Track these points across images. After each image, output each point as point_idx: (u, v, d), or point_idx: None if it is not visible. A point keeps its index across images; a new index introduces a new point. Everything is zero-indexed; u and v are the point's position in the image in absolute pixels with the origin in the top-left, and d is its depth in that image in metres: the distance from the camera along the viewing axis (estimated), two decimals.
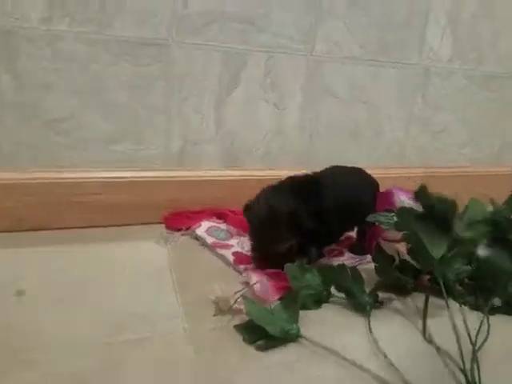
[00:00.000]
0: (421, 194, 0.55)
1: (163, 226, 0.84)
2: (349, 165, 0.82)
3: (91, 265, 0.69)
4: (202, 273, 0.69)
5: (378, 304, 0.61)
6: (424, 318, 0.56)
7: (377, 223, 0.65)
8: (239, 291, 0.58)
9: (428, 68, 0.99)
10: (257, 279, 0.62)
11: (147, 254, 0.74)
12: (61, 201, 0.79)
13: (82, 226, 0.80)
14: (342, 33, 0.89)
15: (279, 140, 0.93)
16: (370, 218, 0.65)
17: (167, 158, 0.86)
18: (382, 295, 0.63)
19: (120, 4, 0.74)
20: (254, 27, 0.83)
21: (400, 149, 1.04)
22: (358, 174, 0.79)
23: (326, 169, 0.78)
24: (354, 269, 0.61)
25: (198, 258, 0.74)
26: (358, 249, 0.77)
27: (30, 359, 0.47)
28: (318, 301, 0.61)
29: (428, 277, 0.67)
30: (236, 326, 0.53)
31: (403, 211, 0.57)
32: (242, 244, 0.78)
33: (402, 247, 0.67)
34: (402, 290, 0.65)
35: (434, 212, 0.54)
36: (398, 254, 0.67)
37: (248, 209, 0.67)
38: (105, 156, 0.82)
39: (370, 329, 0.56)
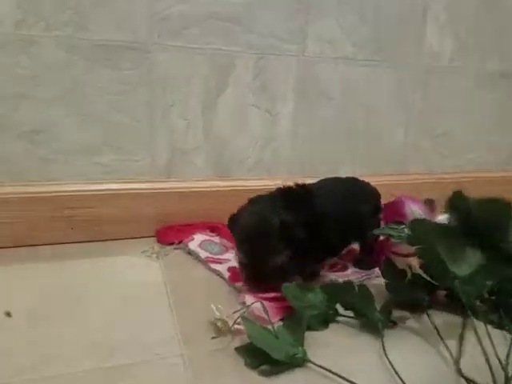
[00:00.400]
0: (456, 200, 0.49)
1: (154, 239, 0.79)
2: (345, 173, 0.77)
3: (79, 283, 0.63)
4: (197, 291, 0.63)
5: (390, 323, 0.55)
6: (459, 345, 0.50)
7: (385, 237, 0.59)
8: (238, 311, 0.53)
9: (428, 68, 0.94)
10: (254, 300, 0.55)
11: (139, 270, 0.69)
12: (41, 216, 0.73)
13: (65, 242, 0.75)
14: (335, 32, 0.85)
15: (271, 147, 0.87)
16: (377, 232, 0.59)
17: (154, 169, 0.80)
18: (394, 313, 0.57)
19: (96, 5, 0.70)
20: (241, 27, 0.78)
21: (400, 154, 0.99)
22: (355, 183, 0.73)
23: (320, 180, 0.71)
24: (361, 286, 0.56)
25: (192, 275, 0.68)
26: (363, 263, 0.71)
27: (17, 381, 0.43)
28: (324, 321, 0.55)
29: (444, 292, 0.61)
30: (237, 349, 0.49)
31: (418, 223, 0.52)
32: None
33: (414, 261, 0.61)
34: (416, 308, 0.58)
35: (470, 222, 0.48)
36: (410, 268, 0.60)
37: (233, 221, 0.61)
38: (87, 168, 0.76)
39: (384, 350, 0.49)
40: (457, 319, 0.57)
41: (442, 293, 0.61)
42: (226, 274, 0.66)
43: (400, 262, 0.62)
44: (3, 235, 0.71)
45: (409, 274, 0.60)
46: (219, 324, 0.52)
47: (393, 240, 0.57)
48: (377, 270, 0.68)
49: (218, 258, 0.72)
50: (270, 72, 0.82)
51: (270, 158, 0.88)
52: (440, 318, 0.56)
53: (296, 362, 0.47)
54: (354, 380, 0.44)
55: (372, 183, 0.75)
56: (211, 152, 0.83)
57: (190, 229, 0.79)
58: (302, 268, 0.61)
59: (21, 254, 0.70)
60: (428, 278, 0.57)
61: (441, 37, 0.93)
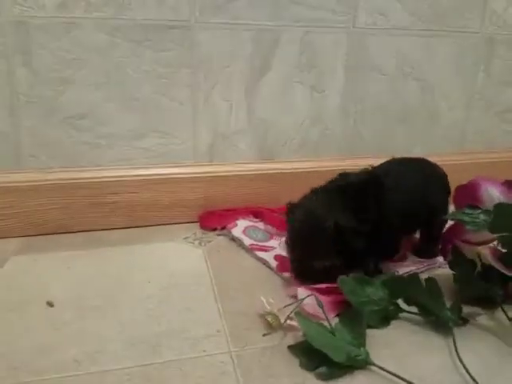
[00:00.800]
0: None
1: (196, 225, 0.77)
2: (399, 153, 0.70)
3: (121, 270, 0.62)
4: (244, 280, 0.60)
5: (461, 321, 0.49)
6: None
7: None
8: (289, 305, 0.49)
9: (492, 36, 0.85)
10: (306, 293, 0.51)
11: (182, 257, 0.67)
12: (85, 202, 0.73)
13: (108, 228, 0.74)
14: (388, 0, 0.77)
15: (318, 127, 0.82)
16: (449, 217, 0.53)
17: (197, 153, 0.78)
18: (463, 309, 0.51)
19: None
20: None
21: (459, 133, 0.91)
22: (424, 168, 0.65)
23: (386, 163, 0.64)
24: (429, 279, 0.50)
25: (237, 263, 0.65)
26: (424, 251, 0.65)
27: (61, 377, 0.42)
28: (385, 318, 0.50)
29: None
30: (291, 348, 0.45)
31: (502, 207, 0.46)
32: (283, 245, 0.69)
33: (485, 250, 0.54)
34: (488, 303, 0.52)
35: None
36: (480, 259, 0.54)
37: (291, 211, 0.57)
38: (130, 153, 0.75)
39: (456, 351, 0.44)
40: None
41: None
42: (273, 263, 0.63)
43: (469, 252, 0.56)
44: (48, 222, 0.72)
45: (478, 265, 0.54)
46: (270, 319, 0.48)
47: (467, 227, 0.50)
48: (439, 259, 0.63)
49: (264, 246, 0.68)
50: (318, 47, 0.77)
51: (317, 139, 0.83)
52: None
53: (357, 364, 0.42)
54: None
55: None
56: (255, 134, 0.79)
57: (232, 214, 0.76)
58: (363, 265, 0.56)
59: (65, 241, 0.70)
60: (502, 270, 0.50)
61: (506, 1, 0.83)
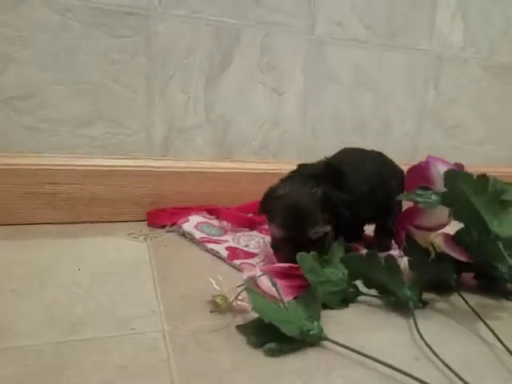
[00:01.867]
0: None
1: (145, 223, 0.71)
2: None
3: (50, 259, 0.55)
4: (189, 268, 0.55)
5: (420, 304, 0.47)
6: None
7: (407, 207, 0.52)
8: (242, 285, 0.44)
9: (440, 55, 0.90)
10: (261, 273, 0.47)
11: (123, 249, 0.60)
12: (20, 191, 0.65)
13: (44, 222, 0.67)
14: (346, 12, 0.81)
15: (278, 130, 0.81)
16: (401, 197, 0.52)
17: (149, 146, 0.73)
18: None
19: None
20: None
21: (411, 145, 0.93)
22: (381, 157, 0.69)
23: (342, 152, 0.68)
24: (389, 257, 0.47)
25: (184, 254, 0.60)
26: (377, 244, 0.64)
27: None
28: (344, 300, 0.47)
29: (472, 274, 0.54)
30: (239, 327, 0.40)
31: (453, 175, 0.44)
32: (238, 240, 0.65)
33: (437, 237, 0.53)
34: (443, 289, 0.51)
35: None
36: (433, 247, 0.53)
37: (272, 195, 0.56)
38: (75, 141, 0.69)
39: (417, 328, 0.40)
40: (492, 302, 0.50)
41: (470, 274, 0.54)
42: (225, 253, 0.58)
43: (422, 240, 0.54)
44: None
45: (432, 254, 0.53)
46: (218, 300, 0.43)
47: (420, 205, 0.49)
48: (394, 252, 0.61)
49: (216, 239, 0.64)
50: (278, 49, 0.78)
51: (277, 141, 0.81)
52: (473, 299, 0.48)
53: (310, 339, 0.38)
54: (380, 358, 0.35)
55: None
56: (213, 131, 0.77)
57: (185, 211, 0.71)
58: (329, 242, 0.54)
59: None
60: (455, 256, 0.49)
61: (451, 24, 0.89)
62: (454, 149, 0.97)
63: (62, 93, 0.67)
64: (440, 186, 0.49)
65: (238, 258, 0.57)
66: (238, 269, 0.55)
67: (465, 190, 0.43)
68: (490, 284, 0.52)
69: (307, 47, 0.79)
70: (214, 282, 0.44)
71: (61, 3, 0.64)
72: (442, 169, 0.51)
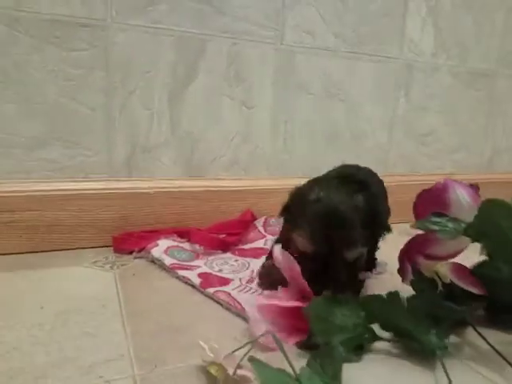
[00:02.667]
0: None
1: (110, 249, 0.66)
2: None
3: (8, 296, 0.50)
4: (159, 301, 0.51)
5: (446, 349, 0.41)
6: None
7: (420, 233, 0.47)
8: (239, 348, 0.37)
9: (410, 63, 0.89)
10: (264, 317, 0.41)
11: (87, 281, 0.56)
12: None
13: (1, 253, 0.61)
14: (315, 20, 0.78)
15: (248, 145, 0.78)
16: (416, 227, 0.46)
17: (112, 166, 0.69)
18: None
19: None
20: (213, 8, 0.70)
21: (383, 155, 0.92)
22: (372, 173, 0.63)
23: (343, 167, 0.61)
24: (412, 298, 0.42)
25: (153, 284, 0.56)
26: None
27: None
28: (359, 347, 0.41)
29: (483, 304, 0.50)
30: None
31: (489, 205, 0.39)
32: (210, 264, 0.61)
33: (443, 266, 0.48)
34: (457, 325, 0.47)
35: None
36: (439, 278, 0.48)
37: (303, 197, 0.46)
38: (30, 164, 0.64)
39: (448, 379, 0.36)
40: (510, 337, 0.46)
41: (479, 305, 0.49)
42: (197, 281, 0.55)
43: (427, 271, 0.49)
44: None
45: (439, 285, 0.48)
46: (213, 370, 0.36)
47: (439, 235, 0.44)
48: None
49: (188, 265, 0.60)
50: (246, 60, 0.74)
51: (247, 156, 0.78)
52: (489, 335, 0.43)
53: None
54: None
55: None
56: (180, 148, 0.73)
57: (154, 235, 0.67)
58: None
59: None
60: (466, 287, 0.45)
61: (422, 31, 0.89)
62: (425, 157, 0.96)
63: (14, 112, 0.62)
64: (457, 213, 0.45)
65: (212, 286, 0.53)
66: (212, 298, 0.52)
67: (500, 222, 0.39)
68: (502, 316, 0.48)
69: (276, 57, 0.77)
70: (206, 347, 0.37)
71: (8, 14, 0.59)
72: (462, 193, 0.47)
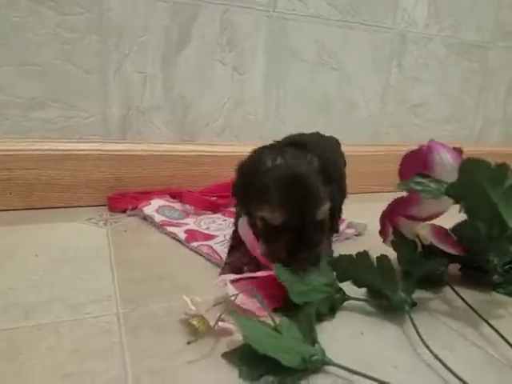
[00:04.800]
0: None
1: (105, 208, 0.70)
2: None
3: (5, 246, 0.54)
4: (147, 254, 0.54)
5: (409, 306, 0.43)
6: None
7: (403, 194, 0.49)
8: (218, 303, 0.39)
9: (404, 33, 0.90)
10: (237, 289, 0.41)
11: (81, 234, 0.60)
12: None
13: (1, 209, 0.65)
14: None
15: (241, 110, 0.80)
16: (400, 187, 0.46)
17: (107, 128, 0.71)
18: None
19: None
20: None
21: (375, 124, 0.93)
22: (335, 140, 0.66)
23: (294, 135, 0.61)
24: (382, 257, 0.43)
25: (143, 239, 0.59)
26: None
27: None
28: (331, 308, 0.42)
29: (458, 266, 0.52)
30: (226, 355, 0.35)
31: (471, 164, 0.39)
32: (199, 223, 0.65)
33: (424, 228, 0.50)
34: (433, 283, 0.49)
35: None
36: (419, 239, 0.50)
37: (257, 168, 0.44)
38: (27, 124, 0.67)
39: (422, 340, 0.37)
40: (484, 296, 0.48)
41: (456, 265, 0.51)
42: (183, 236, 0.58)
43: (408, 232, 0.51)
44: None
45: (419, 246, 0.50)
46: (195, 322, 0.37)
47: (422, 195, 0.44)
48: (345, 233, 0.63)
49: (176, 222, 0.63)
50: (239, 27, 0.76)
51: (240, 122, 0.80)
52: (463, 293, 0.45)
53: (313, 366, 0.33)
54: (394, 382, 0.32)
55: (347, 153, 0.66)
56: (173, 112, 0.75)
57: (147, 195, 0.70)
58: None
59: None
60: (446, 249, 0.47)
61: (415, 1, 0.89)
62: (417, 127, 0.98)
63: (12, 74, 0.64)
64: (440, 174, 0.46)
65: (196, 240, 0.57)
66: (195, 251, 0.55)
67: (481, 181, 0.39)
68: (477, 276, 0.50)
69: (268, 24, 0.78)
70: (188, 301, 0.38)
71: None
72: (446, 155, 0.47)
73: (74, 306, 0.41)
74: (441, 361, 0.35)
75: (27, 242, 0.56)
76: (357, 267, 0.43)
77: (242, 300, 0.40)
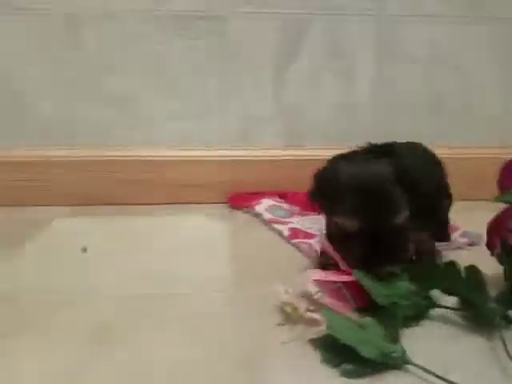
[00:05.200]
0: None
1: (225, 205, 0.81)
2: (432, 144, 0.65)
3: (148, 234, 0.68)
4: (256, 250, 0.63)
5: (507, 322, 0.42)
6: None
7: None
8: (310, 295, 0.44)
9: None
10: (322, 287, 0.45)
11: (206, 228, 0.72)
12: (122, 178, 0.79)
13: (146, 203, 0.80)
14: None
15: (348, 115, 0.83)
16: (500, 199, 0.46)
17: (226, 137, 0.82)
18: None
19: None
20: None
21: (496, 125, 0.86)
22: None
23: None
24: (470, 267, 0.43)
25: (253, 235, 0.68)
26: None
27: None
28: (418, 314, 0.43)
29: None
30: (312, 341, 0.40)
31: None
32: (303, 222, 0.71)
33: None
34: None
35: None
36: None
37: (332, 175, 0.48)
38: (160, 136, 0.81)
39: (505, 347, 0.37)
40: None
41: None
42: (287, 233, 0.65)
43: None
44: (90, 194, 0.79)
45: None
46: (289, 309, 0.42)
47: None
48: (456, 242, 0.61)
49: (283, 221, 0.71)
50: (347, 35, 0.79)
51: (347, 127, 0.83)
52: None
53: (391, 361, 0.36)
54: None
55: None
56: (284, 120, 0.82)
57: (259, 195, 0.79)
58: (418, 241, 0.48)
59: (103, 211, 0.77)
60: None
61: None
62: None
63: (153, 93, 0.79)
64: None
65: (297, 238, 0.63)
66: (296, 246, 0.62)
67: None
68: None
69: (378, 28, 0.79)
70: (282, 290, 0.43)
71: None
72: None
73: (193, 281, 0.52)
74: None
75: (164, 228, 0.69)
76: (443, 276, 0.43)
77: (326, 297, 0.44)
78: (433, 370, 0.35)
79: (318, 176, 0.50)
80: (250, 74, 0.79)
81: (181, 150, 0.81)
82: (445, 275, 0.43)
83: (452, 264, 0.43)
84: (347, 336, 0.37)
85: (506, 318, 0.42)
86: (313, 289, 0.45)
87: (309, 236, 0.64)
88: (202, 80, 0.79)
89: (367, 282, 0.43)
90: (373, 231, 0.42)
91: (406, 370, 0.37)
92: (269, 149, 0.83)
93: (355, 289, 0.44)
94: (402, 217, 0.44)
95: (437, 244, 0.60)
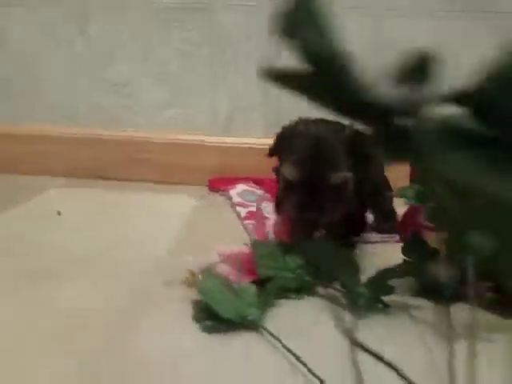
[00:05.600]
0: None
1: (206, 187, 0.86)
2: None
3: (127, 207, 0.75)
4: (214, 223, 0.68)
5: (380, 305, 0.43)
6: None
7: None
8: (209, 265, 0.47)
9: None
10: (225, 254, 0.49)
11: (181, 205, 0.77)
12: (118, 157, 0.88)
13: (136, 180, 0.87)
14: None
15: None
16: (399, 193, 0.46)
17: (214, 124, 0.87)
18: (407, 300, 0.45)
19: None
20: None
21: None
22: None
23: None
24: (346, 251, 0.46)
25: (217, 215, 0.73)
26: (382, 228, 0.61)
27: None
28: (299, 288, 0.46)
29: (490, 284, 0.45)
30: (193, 301, 0.44)
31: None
32: (268, 208, 0.73)
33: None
34: (437, 298, 0.43)
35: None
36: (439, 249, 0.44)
37: (290, 132, 0.51)
38: (161, 121, 0.88)
39: (352, 327, 0.38)
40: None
41: (483, 284, 0.44)
42: (243, 215, 0.69)
43: (432, 240, 0.45)
44: (94, 169, 0.88)
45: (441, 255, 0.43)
46: (188, 275, 0.48)
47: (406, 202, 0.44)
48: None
49: (246, 204, 0.74)
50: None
51: (331, 116, 0.84)
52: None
53: (246, 323, 0.40)
54: (304, 357, 0.35)
55: None
56: (269, 111, 0.85)
57: (237, 180, 0.83)
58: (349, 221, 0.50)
59: (97, 184, 0.86)
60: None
61: None
62: None
63: (149, 82, 0.86)
64: None
65: (249, 220, 0.66)
66: (245, 227, 0.65)
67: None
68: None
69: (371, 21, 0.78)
70: (190, 259, 0.49)
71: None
72: None
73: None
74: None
75: (147, 203, 0.77)
76: (319, 255, 0.44)
77: (224, 268, 0.48)
78: (281, 336, 0.38)
79: (279, 134, 0.54)
80: (237, 63, 0.83)
81: (169, 133, 0.87)
82: (323, 254, 0.44)
83: (326, 242, 0.45)
84: (212, 298, 0.41)
85: (380, 301, 0.43)
86: (215, 260, 0.49)
87: (260, 218, 0.66)
88: (192, 68, 0.84)
89: (260, 253, 0.46)
90: (311, 184, 0.45)
91: (260, 334, 0.40)
92: (254, 136, 0.86)
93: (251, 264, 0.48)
94: (339, 177, 0.46)
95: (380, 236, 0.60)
